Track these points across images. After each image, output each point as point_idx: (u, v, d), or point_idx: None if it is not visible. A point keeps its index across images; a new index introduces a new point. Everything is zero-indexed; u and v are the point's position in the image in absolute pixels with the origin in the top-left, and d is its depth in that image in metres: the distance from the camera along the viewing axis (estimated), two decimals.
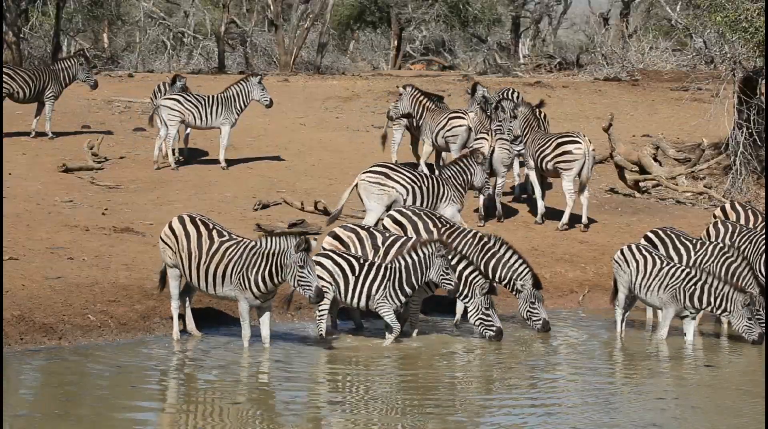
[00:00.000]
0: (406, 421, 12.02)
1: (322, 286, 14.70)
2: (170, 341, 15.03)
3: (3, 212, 18.17)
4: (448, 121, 22.13)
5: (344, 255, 15.35)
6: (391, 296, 15.10)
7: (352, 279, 15.18)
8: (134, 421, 11.84)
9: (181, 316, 15.25)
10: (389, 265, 15.18)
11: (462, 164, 18.85)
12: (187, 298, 15.27)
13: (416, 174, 18.73)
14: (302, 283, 14.28)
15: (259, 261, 14.46)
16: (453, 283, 15.08)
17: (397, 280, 15.10)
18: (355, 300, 15.21)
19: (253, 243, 14.64)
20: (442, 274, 15.09)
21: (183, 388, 13.31)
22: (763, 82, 23.59)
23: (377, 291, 15.11)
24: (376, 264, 15.25)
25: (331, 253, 15.32)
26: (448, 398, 13.05)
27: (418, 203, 18.34)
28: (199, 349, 14.80)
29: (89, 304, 15.39)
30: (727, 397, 13.31)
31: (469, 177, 18.74)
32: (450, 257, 15.21)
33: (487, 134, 20.93)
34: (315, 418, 12.11)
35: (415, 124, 22.85)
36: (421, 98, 22.72)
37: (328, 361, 14.40)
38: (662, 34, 43.41)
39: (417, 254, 15.10)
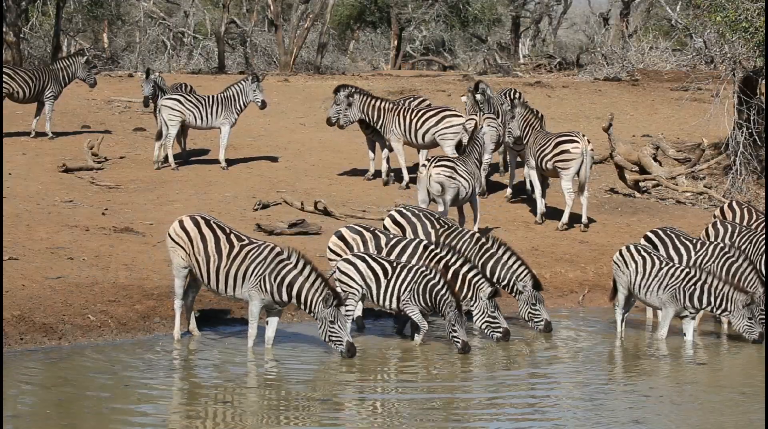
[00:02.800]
0: (404, 421, 12.02)
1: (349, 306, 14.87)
2: (170, 341, 15.02)
3: (3, 212, 18.18)
4: (443, 119, 22.09)
5: (377, 258, 15.33)
6: (414, 299, 15.11)
7: (384, 281, 15.16)
8: (132, 421, 11.83)
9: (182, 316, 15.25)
10: (419, 270, 15.17)
11: (475, 142, 19.28)
12: (190, 298, 15.25)
13: (469, 167, 18.93)
14: (333, 339, 14.33)
15: (285, 272, 14.46)
16: (460, 342, 14.96)
17: (421, 287, 15.11)
18: (387, 302, 15.22)
19: (278, 249, 14.60)
20: (450, 327, 15.02)
21: (181, 388, 13.30)
22: (763, 82, 23.59)
23: (404, 292, 15.11)
24: (408, 266, 15.25)
25: (365, 256, 15.31)
26: (442, 397, 13.06)
27: (469, 194, 18.82)
28: (199, 349, 14.80)
29: (89, 304, 15.39)
30: (712, 394, 13.38)
31: (480, 153, 19.28)
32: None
33: (476, 115, 21.65)
34: (312, 418, 12.11)
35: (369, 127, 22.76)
36: (374, 102, 22.58)
37: (329, 362, 14.39)
38: (662, 34, 43.40)
39: (441, 286, 15.03)
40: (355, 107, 22.39)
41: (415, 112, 22.24)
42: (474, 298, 15.48)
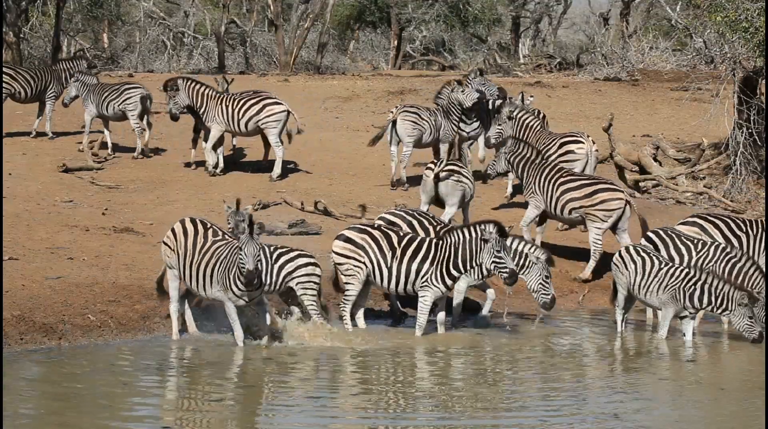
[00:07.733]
0: (397, 417, 12.03)
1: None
2: (169, 341, 15.01)
3: (3, 212, 18.19)
4: (264, 107, 22.23)
5: (384, 229, 15.29)
6: (437, 278, 15.06)
7: (389, 256, 15.14)
8: (131, 420, 11.84)
9: (182, 317, 15.23)
10: (439, 243, 15.13)
11: None
12: (187, 300, 15.23)
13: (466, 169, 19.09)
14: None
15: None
16: (508, 271, 14.93)
17: (446, 259, 15.06)
18: (393, 283, 15.20)
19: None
20: (494, 260, 14.95)
21: (180, 388, 13.30)
22: (763, 82, 23.60)
23: (427, 271, 15.10)
24: (419, 238, 15.23)
25: (367, 228, 15.26)
26: (435, 394, 13.08)
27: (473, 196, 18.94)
28: (198, 349, 14.79)
29: (89, 304, 15.39)
30: (692, 390, 13.51)
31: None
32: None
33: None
34: (307, 416, 12.11)
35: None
36: (198, 88, 22.40)
37: (326, 360, 14.39)
38: (662, 34, 43.43)
39: (469, 233, 15.02)
40: (182, 93, 22.38)
41: (237, 100, 22.32)
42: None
